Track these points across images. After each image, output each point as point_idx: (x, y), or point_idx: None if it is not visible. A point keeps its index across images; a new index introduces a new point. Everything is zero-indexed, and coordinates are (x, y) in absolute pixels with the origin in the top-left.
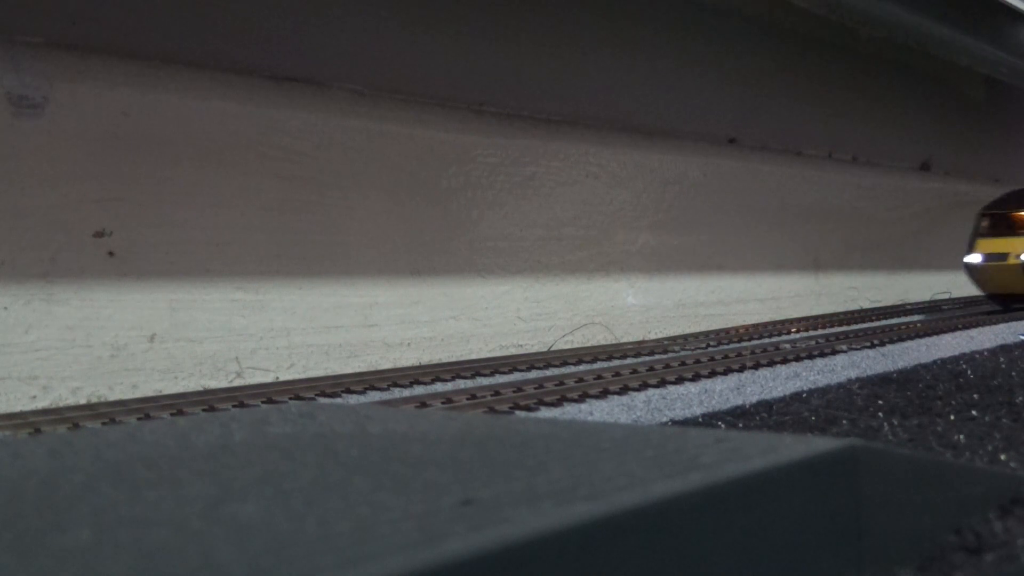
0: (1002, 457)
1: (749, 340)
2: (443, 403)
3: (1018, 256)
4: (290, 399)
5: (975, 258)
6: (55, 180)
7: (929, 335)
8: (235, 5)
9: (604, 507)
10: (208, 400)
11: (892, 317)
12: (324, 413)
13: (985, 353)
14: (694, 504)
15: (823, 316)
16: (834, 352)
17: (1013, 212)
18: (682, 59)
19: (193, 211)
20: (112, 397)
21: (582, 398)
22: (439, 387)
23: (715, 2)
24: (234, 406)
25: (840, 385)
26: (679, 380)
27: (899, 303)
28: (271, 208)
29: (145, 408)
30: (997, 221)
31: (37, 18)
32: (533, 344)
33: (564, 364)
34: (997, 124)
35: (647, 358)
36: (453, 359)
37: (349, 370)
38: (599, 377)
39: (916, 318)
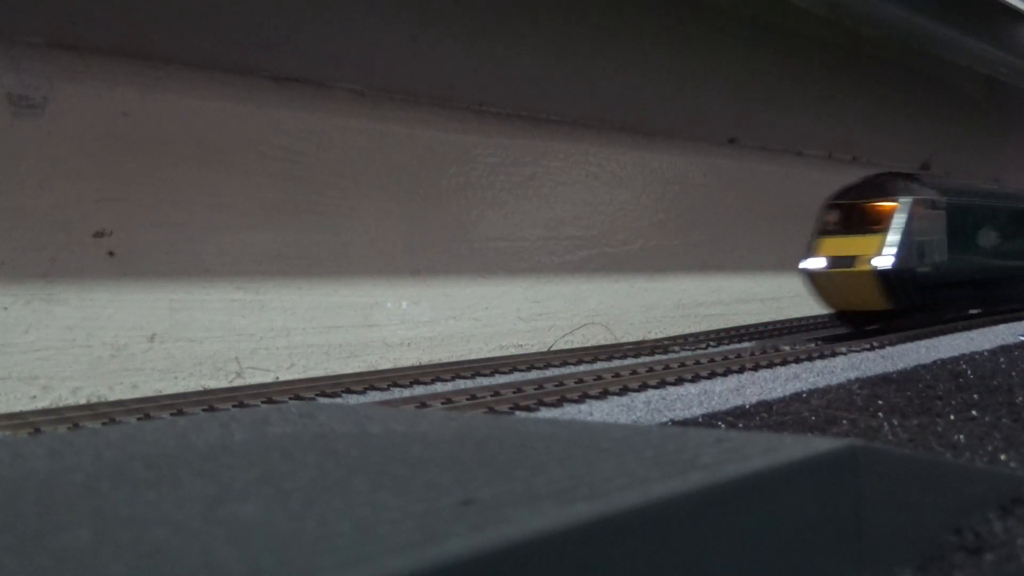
0: (1002, 457)
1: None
2: (443, 403)
3: (870, 260)
4: (290, 399)
5: (816, 263)
6: (55, 180)
7: (929, 336)
8: (235, 5)
9: (604, 507)
10: (208, 400)
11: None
12: (324, 413)
13: (985, 353)
14: (694, 504)
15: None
16: (833, 354)
17: (868, 202)
18: (682, 59)
19: (193, 211)
20: (112, 397)
21: (582, 399)
22: (439, 387)
23: (715, 3)
24: (234, 406)
25: (840, 386)
26: (679, 381)
27: None
28: (271, 208)
29: (145, 408)
30: (847, 214)
31: (37, 18)
32: (533, 344)
33: (564, 364)
34: (997, 124)
35: (647, 358)
36: (453, 359)
37: (349, 370)
38: (599, 378)
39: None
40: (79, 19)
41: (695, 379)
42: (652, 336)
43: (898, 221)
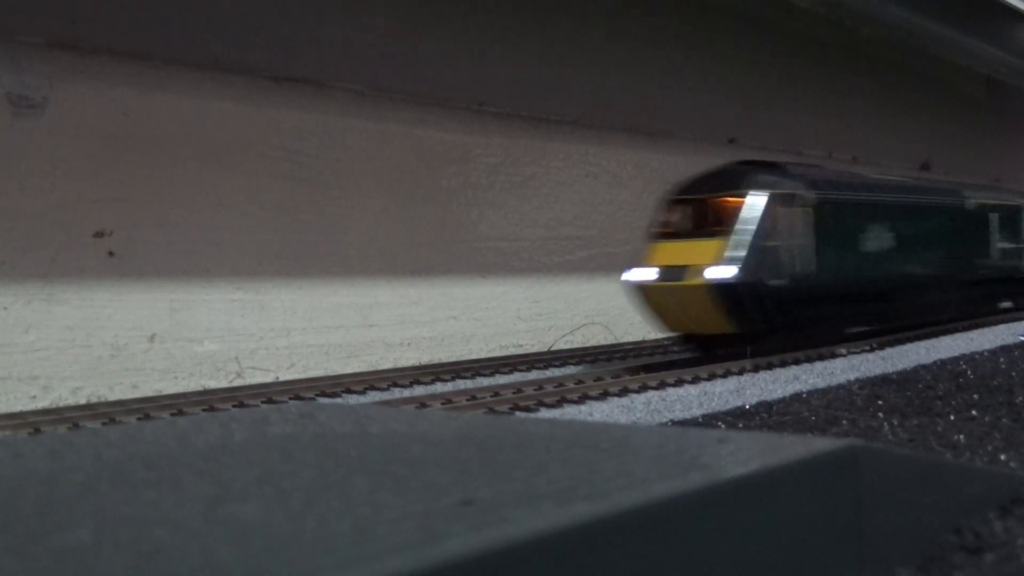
0: (1002, 457)
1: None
2: (443, 403)
3: (704, 272)
4: (290, 399)
5: (643, 274)
6: (55, 180)
7: (929, 337)
8: (235, 5)
9: (604, 507)
10: (208, 400)
11: None
12: (324, 413)
13: (985, 353)
14: (694, 504)
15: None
16: (833, 355)
17: (711, 197)
18: (682, 60)
19: (193, 211)
20: (112, 397)
21: (582, 399)
22: (439, 387)
23: (715, 3)
24: (234, 406)
25: (840, 386)
26: (679, 382)
27: None
28: (271, 208)
29: (145, 408)
30: (687, 212)
31: (37, 18)
32: (533, 344)
33: (564, 364)
34: (997, 124)
35: (647, 359)
36: (453, 359)
37: (349, 370)
38: (599, 378)
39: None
40: (79, 19)
41: (695, 380)
42: (652, 336)
43: (745, 221)
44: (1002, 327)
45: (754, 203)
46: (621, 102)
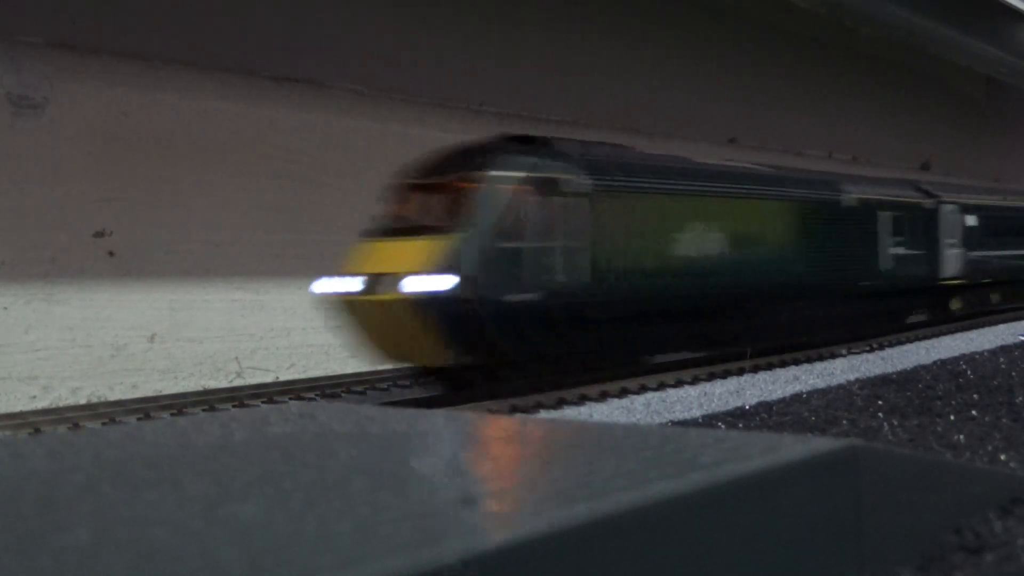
0: (1002, 457)
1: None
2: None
3: (401, 282)
4: (290, 399)
5: (339, 284)
6: (55, 180)
7: (929, 337)
8: (235, 5)
9: (604, 507)
10: (208, 400)
11: None
12: (324, 413)
13: (985, 353)
14: (694, 504)
15: None
16: (833, 356)
17: (439, 181)
18: (682, 60)
19: (193, 211)
20: (112, 397)
21: (581, 400)
22: (439, 387)
23: (715, 3)
24: (234, 406)
25: (840, 386)
26: (678, 383)
27: None
28: (271, 208)
29: (145, 408)
30: (411, 201)
31: (37, 18)
32: None
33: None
34: (997, 124)
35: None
36: None
37: (349, 370)
38: (597, 380)
39: None
40: (79, 19)
41: (694, 381)
42: None
43: (477, 214)
44: (1002, 327)
45: (493, 190)
46: (621, 102)
